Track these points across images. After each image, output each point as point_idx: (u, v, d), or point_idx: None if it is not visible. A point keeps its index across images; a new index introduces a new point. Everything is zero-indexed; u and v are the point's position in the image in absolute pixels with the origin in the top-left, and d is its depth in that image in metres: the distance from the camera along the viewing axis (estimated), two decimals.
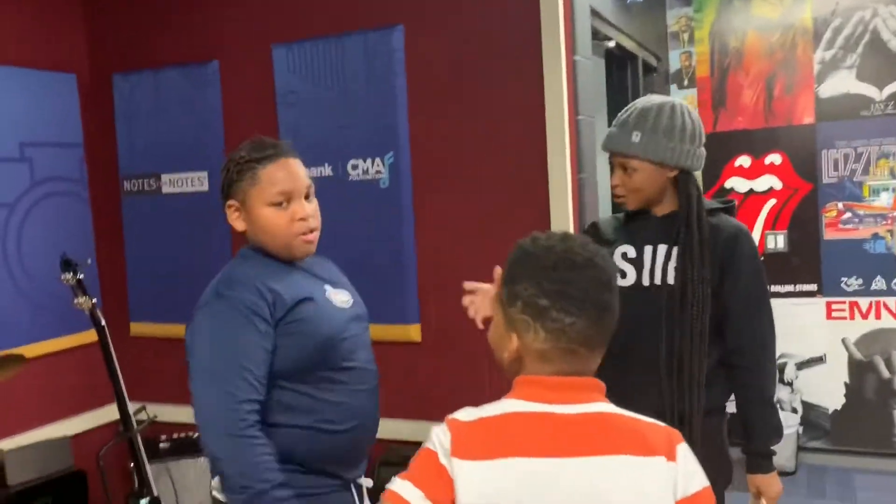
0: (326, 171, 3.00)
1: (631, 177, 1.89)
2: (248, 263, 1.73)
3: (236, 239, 3.24)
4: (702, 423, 1.86)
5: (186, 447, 3.06)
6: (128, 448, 2.58)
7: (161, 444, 3.08)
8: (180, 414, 3.35)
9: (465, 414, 1.15)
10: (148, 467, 2.56)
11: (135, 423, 2.57)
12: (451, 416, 1.16)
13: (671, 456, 1.09)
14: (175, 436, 3.16)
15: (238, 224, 1.74)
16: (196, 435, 3.11)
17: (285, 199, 1.68)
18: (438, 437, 1.13)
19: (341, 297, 1.76)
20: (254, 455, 1.56)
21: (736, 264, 1.87)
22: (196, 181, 3.29)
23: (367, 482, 1.82)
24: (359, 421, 1.72)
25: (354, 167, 2.94)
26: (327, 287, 1.76)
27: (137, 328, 3.48)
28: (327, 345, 1.67)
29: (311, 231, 1.73)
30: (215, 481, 1.69)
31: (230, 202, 1.73)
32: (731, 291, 1.87)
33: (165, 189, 3.35)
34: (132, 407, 2.60)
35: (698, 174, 1.98)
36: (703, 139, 1.94)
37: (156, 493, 2.55)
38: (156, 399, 3.36)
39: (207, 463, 2.89)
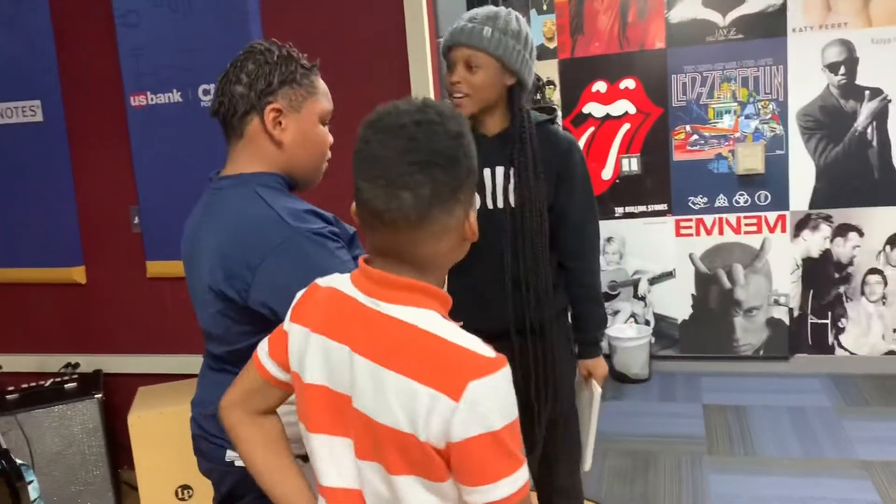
0: (175, 97, 2.81)
1: (474, 74, 1.88)
2: (282, 194, 1.41)
3: (79, 173, 3.03)
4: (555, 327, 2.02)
5: (38, 397, 2.87)
6: None
7: (8, 396, 2.88)
8: (28, 363, 3.15)
9: (328, 279, 1.12)
10: None
11: None
12: (320, 279, 1.13)
13: (455, 395, 0.92)
14: (24, 386, 2.95)
15: (277, 132, 1.42)
16: (48, 383, 2.95)
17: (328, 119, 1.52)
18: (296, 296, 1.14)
19: None
20: None
21: (571, 175, 1.98)
22: (28, 111, 3.01)
23: None
24: None
25: (206, 92, 2.77)
26: None
27: None
28: None
29: None
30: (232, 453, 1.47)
31: (276, 104, 1.41)
32: (568, 200, 1.98)
33: None
34: None
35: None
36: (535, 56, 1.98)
37: (4, 446, 2.39)
38: None
39: (62, 412, 2.77)
